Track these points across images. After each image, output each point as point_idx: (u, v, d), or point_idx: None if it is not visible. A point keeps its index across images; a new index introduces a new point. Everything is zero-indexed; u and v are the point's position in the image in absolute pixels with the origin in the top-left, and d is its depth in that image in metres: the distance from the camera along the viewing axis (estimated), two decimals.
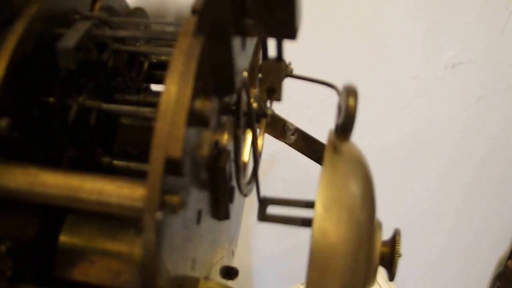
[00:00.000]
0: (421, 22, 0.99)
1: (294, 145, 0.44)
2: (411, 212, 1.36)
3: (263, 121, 0.37)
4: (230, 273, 0.39)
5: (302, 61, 0.44)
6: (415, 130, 1.17)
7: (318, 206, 0.28)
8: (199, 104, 0.24)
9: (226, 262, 0.39)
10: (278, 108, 0.43)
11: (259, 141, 0.38)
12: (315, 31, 0.82)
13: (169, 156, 0.23)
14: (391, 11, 0.94)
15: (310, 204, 0.33)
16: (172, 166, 0.23)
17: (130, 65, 0.31)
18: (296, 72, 0.39)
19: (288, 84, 0.36)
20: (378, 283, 0.69)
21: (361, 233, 0.29)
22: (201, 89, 0.24)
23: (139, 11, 0.36)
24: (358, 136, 0.33)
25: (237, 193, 0.38)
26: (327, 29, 0.85)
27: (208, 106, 0.24)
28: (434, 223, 1.47)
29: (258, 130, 0.38)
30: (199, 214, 0.29)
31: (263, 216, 0.38)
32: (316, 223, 0.28)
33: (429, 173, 1.31)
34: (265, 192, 0.41)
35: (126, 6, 0.37)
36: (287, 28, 0.25)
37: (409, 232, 0.94)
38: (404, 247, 0.33)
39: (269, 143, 0.44)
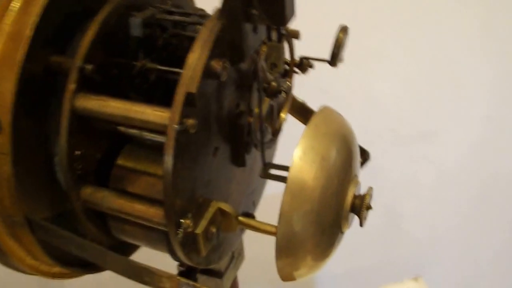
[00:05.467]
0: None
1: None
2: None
3: (286, 97, 0.52)
4: (248, 217, 0.54)
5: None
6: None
7: (298, 149, 0.42)
8: (214, 62, 0.40)
9: (245, 209, 0.54)
10: None
11: (282, 114, 0.53)
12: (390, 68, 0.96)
13: (188, 91, 0.38)
14: (464, 51, 1.06)
15: None
16: (189, 99, 0.38)
17: (180, 42, 0.48)
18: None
19: None
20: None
21: (331, 177, 0.43)
22: (217, 54, 0.40)
23: (199, 10, 0.53)
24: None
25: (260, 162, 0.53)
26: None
27: (219, 64, 0.39)
28: None
29: (278, 104, 0.53)
30: (215, 149, 0.44)
31: (265, 175, 0.53)
32: (294, 162, 0.42)
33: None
34: None
35: (193, 4, 0.54)
36: (279, 18, 0.40)
37: None
38: None
39: None
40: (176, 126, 0.38)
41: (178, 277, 0.40)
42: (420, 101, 1.29)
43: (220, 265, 0.57)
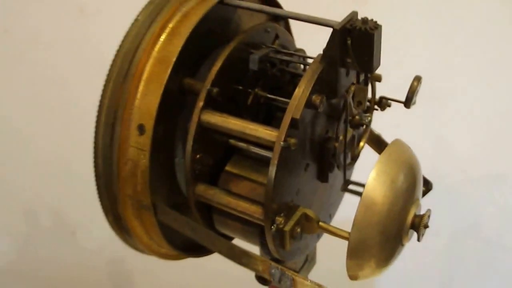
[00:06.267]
0: None
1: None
2: None
3: (365, 129, 0.63)
4: None
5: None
6: None
7: (373, 172, 0.53)
8: (314, 97, 0.51)
9: (323, 219, 0.65)
10: None
11: (361, 143, 0.64)
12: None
13: (293, 117, 0.50)
14: None
15: None
16: (294, 123, 0.50)
17: (283, 76, 0.60)
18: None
19: None
20: None
21: (397, 197, 0.53)
22: (317, 90, 0.52)
23: (300, 50, 0.65)
24: None
25: (339, 180, 0.65)
26: None
27: (318, 99, 0.51)
28: None
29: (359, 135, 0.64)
30: (307, 165, 0.56)
31: (345, 189, 0.64)
32: (369, 181, 0.53)
33: None
34: None
35: (294, 45, 0.66)
36: (368, 67, 0.51)
37: None
38: None
39: None
40: (282, 143, 0.50)
41: (270, 262, 0.51)
42: (493, 142, 1.38)
43: (296, 265, 0.68)
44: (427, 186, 0.73)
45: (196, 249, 0.64)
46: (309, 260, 0.70)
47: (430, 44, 1.49)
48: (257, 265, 0.52)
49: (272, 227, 0.52)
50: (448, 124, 1.43)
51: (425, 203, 0.58)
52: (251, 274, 0.63)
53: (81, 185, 1.73)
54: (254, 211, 0.54)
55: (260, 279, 0.63)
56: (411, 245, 0.59)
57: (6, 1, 1.44)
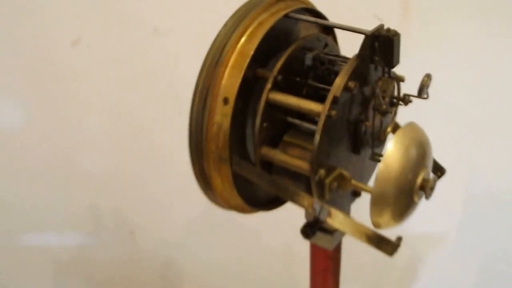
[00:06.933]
0: None
1: None
2: None
3: (392, 118, 0.84)
4: (355, 194, 0.85)
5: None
6: None
7: (391, 142, 0.73)
8: (350, 83, 0.72)
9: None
10: None
11: (388, 129, 0.84)
12: None
13: (335, 95, 0.71)
14: None
15: None
16: (335, 99, 0.71)
17: (329, 71, 0.81)
18: None
19: None
20: None
21: (410, 162, 0.73)
22: (352, 78, 0.73)
23: (343, 56, 0.86)
24: None
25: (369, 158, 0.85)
26: None
27: (353, 84, 0.72)
28: None
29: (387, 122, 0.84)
30: (343, 138, 0.77)
31: (373, 159, 0.84)
32: (388, 149, 0.73)
33: None
34: None
35: (339, 51, 0.88)
36: (390, 63, 0.73)
37: None
38: None
39: None
40: (326, 112, 0.71)
41: (313, 198, 0.72)
42: None
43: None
44: (441, 171, 0.92)
45: (260, 204, 0.85)
46: None
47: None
48: (304, 201, 0.73)
49: (316, 177, 0.73)
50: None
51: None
52: None
53: (142, 188, 1.96)
54: (303, 166, 0.75)
55: (304, 232, 0.83)
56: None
57: (89, 17, 1.64)
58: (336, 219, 0.71)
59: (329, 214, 0.71)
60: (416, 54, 0.81)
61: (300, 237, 0.78)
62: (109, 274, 2.07)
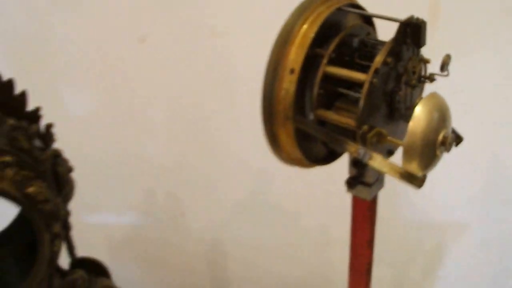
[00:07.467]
0: None
1: None
2: None
3: (420, 93, 1.07)
4: (389, 152, 1.08)
5: None
6: None
7: (417, 107, 0.95)
8: (388, 58, 0.95)
9: (388, 147, 1.08)
10: None
11: (417, 101, 1.07)
12: None
13: (376, 67, 0.94)
14: None
15: None
16: (376, 70, 0.94)
17: (371, 53, 1.04)
18: None
19: None
20: None
21: (433, 122, 0.94)
22: (390, 55, 0.96)
23: (381, 41, 1.09)
24: None
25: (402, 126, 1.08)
26: None
27: (390, 59, 0.95)
28: None
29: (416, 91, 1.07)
30: (381, 104, 1.00)
31: (406, 120, 1.07)
32: (415, 111, 0.95)
33: None
34: None
35: (377, 37, 1.11)
36: (417, 44, 0.96)
37: None
38: None
39: None
40: (369, 80, 0.94)
41: (359, 145, 0.95)
42: None
43: (369, 179, 1.11)
44: (459, 139, 1.15)
45: (316, 160, 1.08)
46: (380, 179, 1.13)
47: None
48: (351, 148, 0.95)
49: (360, 131, 0.96)
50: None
51: None
52: None
53: (194, 174, 2.18)
54: (351, 123, 0.97)
55: (348, 183, 1.06)
56: None
57: (154, 18, 1.82)
58: (376, 161, 0.93)
59: (371, 157, 0.94)
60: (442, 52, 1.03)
61: (335, 219, 0.93)
62: (160, 252, 2.27)
